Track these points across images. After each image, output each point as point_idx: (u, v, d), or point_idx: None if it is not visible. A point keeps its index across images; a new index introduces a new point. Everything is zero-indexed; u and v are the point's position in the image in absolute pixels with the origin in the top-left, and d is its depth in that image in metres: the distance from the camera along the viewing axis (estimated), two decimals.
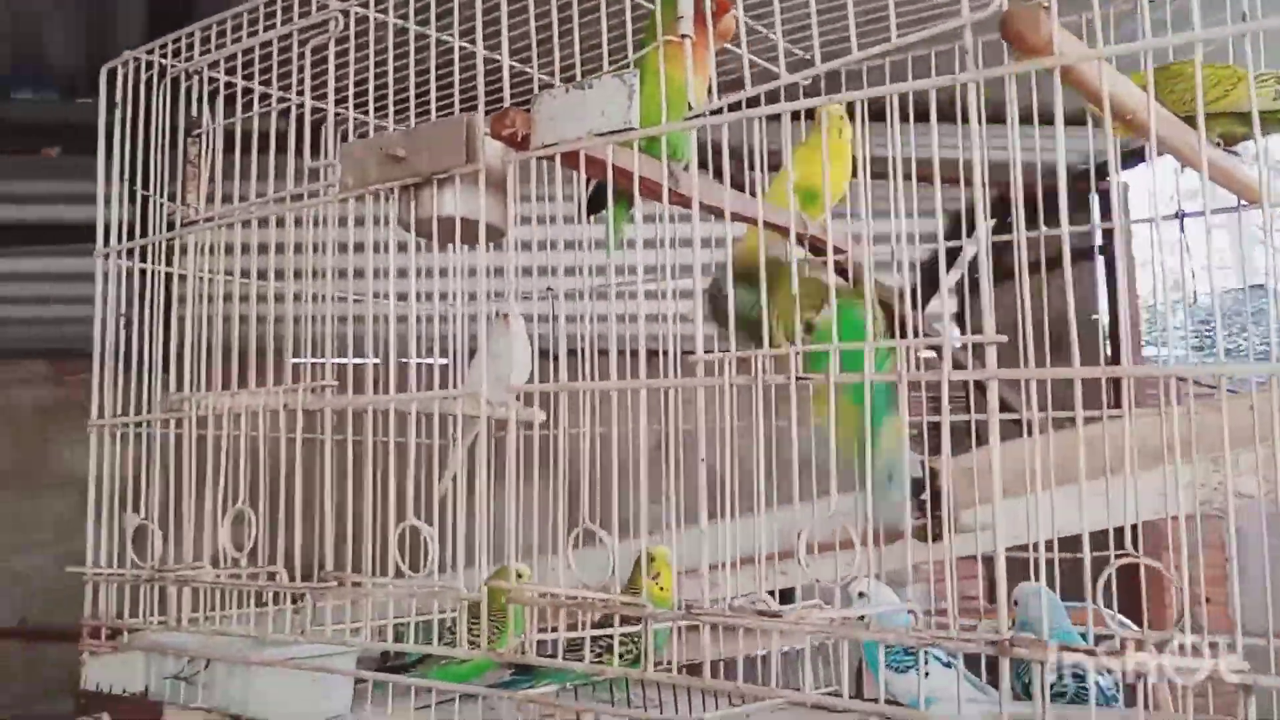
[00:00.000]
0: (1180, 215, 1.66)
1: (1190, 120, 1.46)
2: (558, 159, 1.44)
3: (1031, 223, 1.42)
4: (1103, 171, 1.85)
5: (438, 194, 1.55)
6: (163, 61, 2.03)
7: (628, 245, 1.92)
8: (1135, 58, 1.22)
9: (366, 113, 1.94)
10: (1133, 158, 3.71)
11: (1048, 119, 1.13)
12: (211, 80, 2.00)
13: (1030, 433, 1.39)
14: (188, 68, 1.99)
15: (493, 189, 1.53)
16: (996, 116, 1.30)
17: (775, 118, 1.37)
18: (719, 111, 1.33)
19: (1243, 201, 1.57)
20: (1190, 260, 1.56)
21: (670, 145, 1.50)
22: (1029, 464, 1.15)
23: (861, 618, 1.17)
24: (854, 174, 1.91)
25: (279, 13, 1.82)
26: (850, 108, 1.75)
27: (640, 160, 1.48)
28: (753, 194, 1.66)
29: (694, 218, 1.43)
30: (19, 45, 3.27)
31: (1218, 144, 1.50)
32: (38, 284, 4.65)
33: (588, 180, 1.65)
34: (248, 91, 2.00)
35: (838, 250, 1.84)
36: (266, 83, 1.98)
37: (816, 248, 1.72)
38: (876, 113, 1.34)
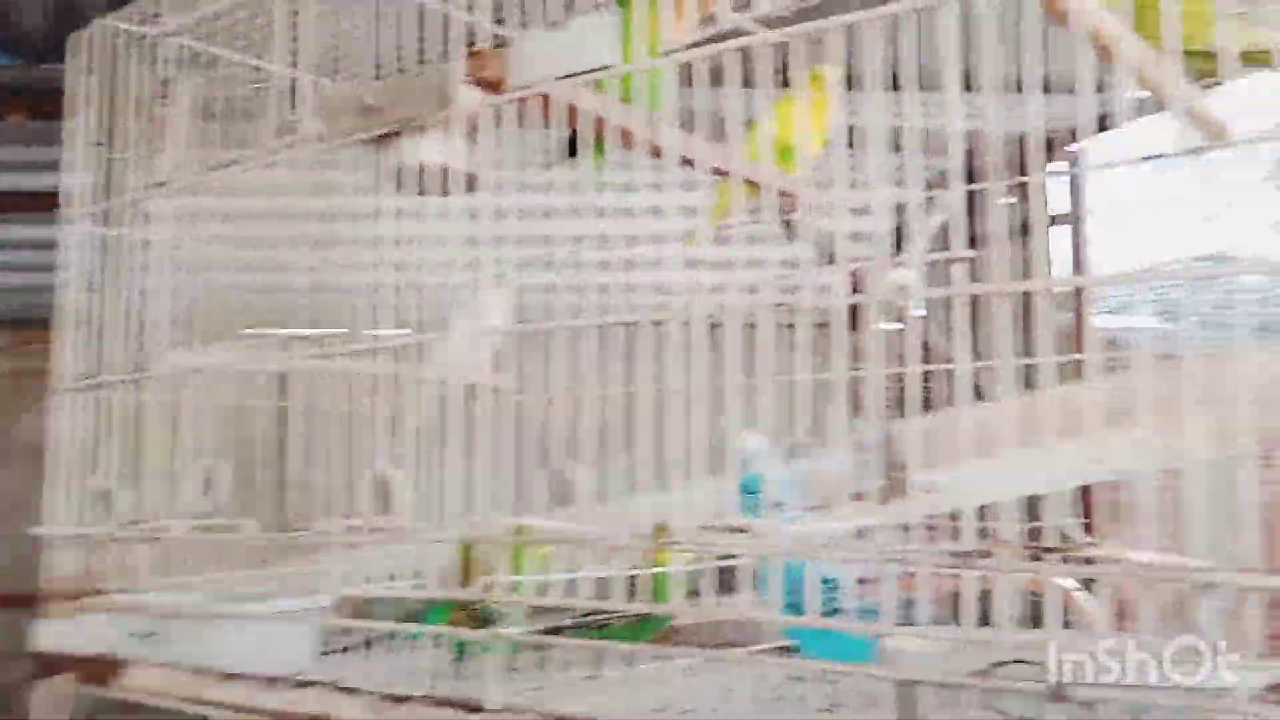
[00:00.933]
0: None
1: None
2: (541, 104, 1.44)
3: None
4: (1066, 141, 1.89)
5: (415, 142, 1.56)
6: (131, 28, 2.03)
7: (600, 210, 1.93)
8: None
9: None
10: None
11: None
12: (182, 46, 2.00)
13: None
14: (158, 33, 1.99)
15: (469, 135, 1.54)
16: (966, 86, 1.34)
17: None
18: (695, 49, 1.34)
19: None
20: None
21: (647, 93, 1.52)
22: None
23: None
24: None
25: None
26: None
27: (620, 111, 1.49)
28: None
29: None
30: None
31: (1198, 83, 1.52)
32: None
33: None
34: (221, 58, 2.00)
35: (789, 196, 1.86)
36: (241, 49, 1.99)
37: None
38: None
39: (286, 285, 1.97)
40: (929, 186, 2.93)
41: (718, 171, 1.62)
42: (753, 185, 1.66)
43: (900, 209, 4.72)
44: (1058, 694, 0.98)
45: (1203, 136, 1.37)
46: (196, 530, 1.75)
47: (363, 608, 1.79)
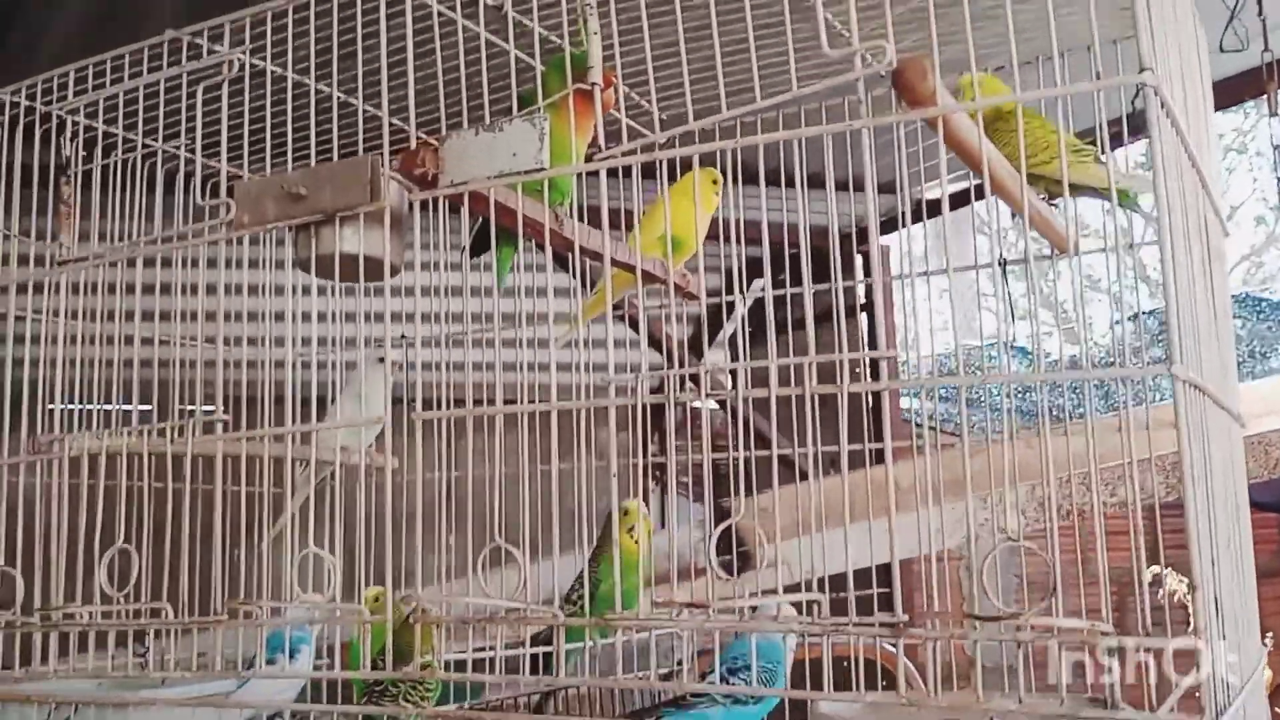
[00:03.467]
0: (1003, 263, 1.87)
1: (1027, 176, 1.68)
2: (466, 200, 1.52)
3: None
4: (864, 236, 2.09)
5: (339, 232, 1.61)
6: (31, 104, 2.01)
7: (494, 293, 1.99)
8: None
9: (239, 165, 1.98)
10: (892, 224, 4.07)
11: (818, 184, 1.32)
12: (88, 129, 1.99)
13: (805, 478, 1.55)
14: (59, 111, 1.98)
15: (393, 227, 1.60)
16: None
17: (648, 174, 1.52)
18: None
19: (1056, 251, 1.79)
20: (1009, 297, 1.76)
21: (556, 192, 1.62)
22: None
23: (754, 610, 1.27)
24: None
25: (164, 57, 1.84)
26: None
27: (527, 203, 1.58)
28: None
29: (573, 259, 1.54)
30: None
31: (1043, 197, 1.71)
32: None
33: (473, 221, 1.74)
34: (128, 141, 2.00)
35: (690, 296, 1.99)
36: (148, 132, 1.99)
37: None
38: None
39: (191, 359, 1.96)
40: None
41: (623, 266, 1.72)
42: (630, 273, 1.77)
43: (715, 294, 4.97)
44: None
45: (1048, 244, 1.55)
46: (106, 617, 1.73)
47: None
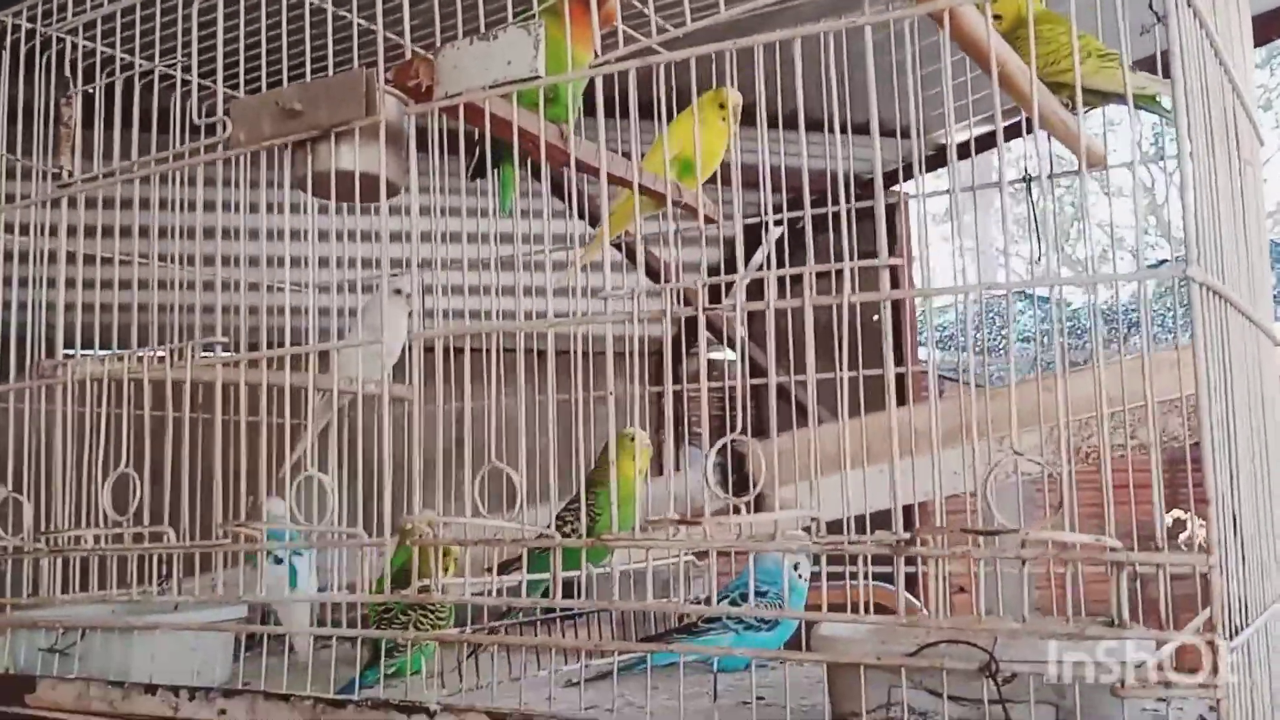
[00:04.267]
0: (1026, 179, 1.80)
1: (1050, 84, 1.60)
2: (461, 111, 1.47)
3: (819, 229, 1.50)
4: (889, 180, 2.01)
5: (335, 148, 1.56)
6: (30, 25, 1.98)
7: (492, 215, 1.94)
8: None
9: (236, 87, 1.94)
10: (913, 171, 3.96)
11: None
12: (86, 50, 1.96)
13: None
14: (58, 30, 1.95)
15: (390, 143, 1.56)
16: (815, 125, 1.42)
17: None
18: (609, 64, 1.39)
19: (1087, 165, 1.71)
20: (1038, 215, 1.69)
21: (558, 104, 1.56)
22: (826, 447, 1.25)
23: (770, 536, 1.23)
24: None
25: None
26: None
27: (527, 116, 1.52)
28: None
29: (570, 175, 1.49)
30: None
31: (1067, 104, 1.63)
32: None
33: (469, 144, 1.69)
34: (126, 64, 1.97)
35: (707, 219, 1.94)
36: (147, 55, 1.95)
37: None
38: None
39: (193, 298, 1.93)
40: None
41: (621, 182, 1.66)
42: (653, 196, 1.72)
43: (728, 243, 4.95)
44: (988, 671, 1.04)
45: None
46: (111, 542, 1.72)
47: None
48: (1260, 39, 3.41)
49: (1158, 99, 1.68)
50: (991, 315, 6.72)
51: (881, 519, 1.83)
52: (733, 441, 1.38)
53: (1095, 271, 1.19)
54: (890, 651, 1.12)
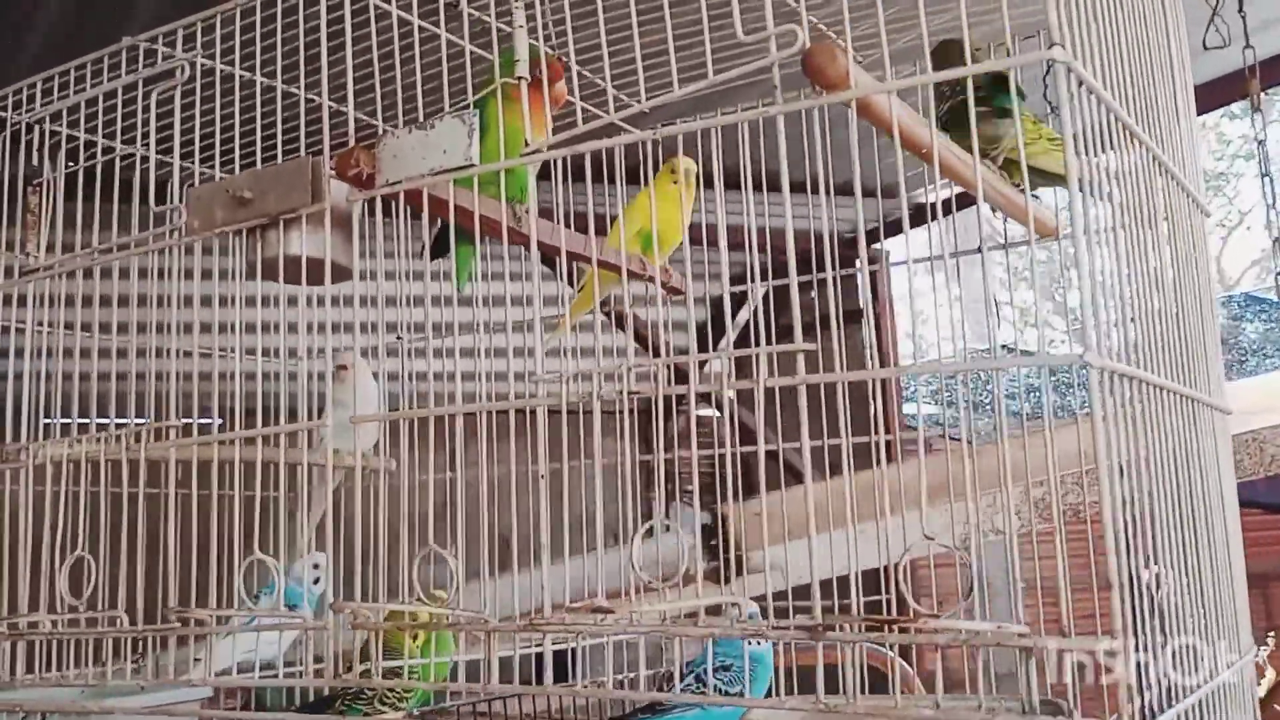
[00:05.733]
0: (1006, 245, 1.82)
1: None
2: (402, 198, 1.50)
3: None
4: (869, 238, 2.03)
5: (284, 235, 1.59)
6: (1, 114, 2.02)
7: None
8: None
9: (211, 165, 1.98)
10: (894, 227, 4.03)
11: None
12: (53, 134, 2.00)
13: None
14: (27, 119, 1.99)
15: (338, 228, 1.58)
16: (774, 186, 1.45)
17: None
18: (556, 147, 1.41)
19: (1036, 235, 1.73)
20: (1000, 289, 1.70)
21: (513, 187, 1.59)
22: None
23: (692, 616, 1.24)
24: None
25: (123, 64, 1.84)
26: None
27: (481, 200, 1.55)
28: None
29: (534, 255, 1.51)
30: None
31: (1017, 185, 1.66)
32: None
33: (432, 223, 1.72)
34: (90, 144, 2.02)
35: (675, 291, 1.96)
36: (109, 135, 2.00)
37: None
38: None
39: (160, 372, 1.95)
40: (734, 281, 3.03)
41: (581, 258, 1.69)
42: (614, 272, 1.74)
43: (714, 302, 4.99)
44: None
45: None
46: (66, 626, 1.73)
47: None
48: (1219, 102, 3.47)
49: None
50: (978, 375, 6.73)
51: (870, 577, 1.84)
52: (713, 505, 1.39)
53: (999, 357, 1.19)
54: None
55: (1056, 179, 1.74)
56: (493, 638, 1.32)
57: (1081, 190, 1.04)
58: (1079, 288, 1.00)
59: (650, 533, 1.29)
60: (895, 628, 1.06)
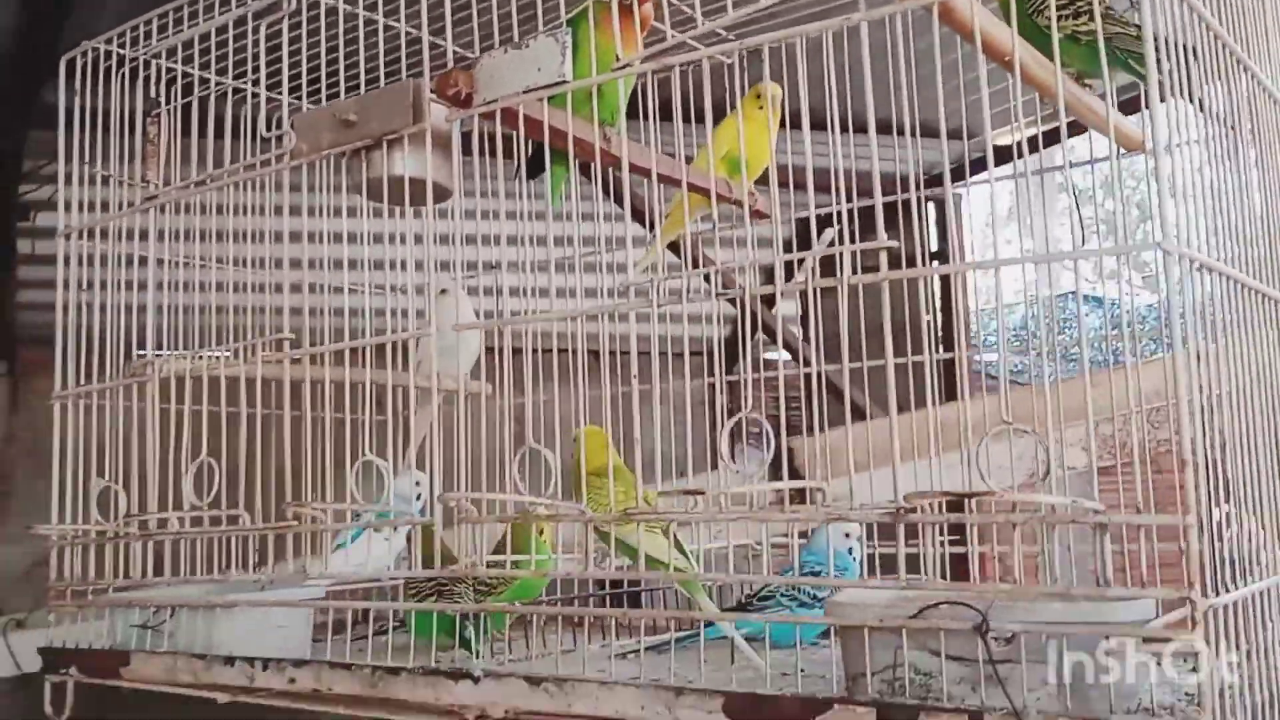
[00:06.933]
0: (1067, 165, 1.82)
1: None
2: (498, 117, 1.56)
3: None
4: (938, 181, 2.03)
5: (387, 155, 1.68)
6: (120, 51, 2.13)
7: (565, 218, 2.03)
8: None
9: (316, 99, 2.07)
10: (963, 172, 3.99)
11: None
12: (168, 70, 2.10)
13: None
14: (145, 54, 2.10)
15: (438, 149, 1.66)
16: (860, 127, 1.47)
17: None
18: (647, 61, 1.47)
19: (1121, 150, 1.72)
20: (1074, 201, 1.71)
21: (604, 110, 1.64)
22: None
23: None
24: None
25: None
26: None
27: (574, 122, 1.61)
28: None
29: (624, 176, 1.57)
30: None
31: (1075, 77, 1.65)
32: None
33: (527, 145, 1.78)
34: (204, 80, 2.13)
35: (760, 214, 2.00)
36: (221, 71, 2.11)
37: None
38: None
39: (268, 298, 2.06)
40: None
41: (670, 180, 1.74)
42: (704, 195, 1.79)
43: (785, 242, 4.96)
44: (982, 630, 1.09)
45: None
46: (192, 525, 1.85)
47: None
48: None
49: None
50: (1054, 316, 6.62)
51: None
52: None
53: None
54: (893, 615, 1.17)
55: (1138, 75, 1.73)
56: (589, 528, 1.40)
57: (1160, 73, 1.05)
58: (1153, 175, 1.03)
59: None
60: (974, 505, 1.11)
